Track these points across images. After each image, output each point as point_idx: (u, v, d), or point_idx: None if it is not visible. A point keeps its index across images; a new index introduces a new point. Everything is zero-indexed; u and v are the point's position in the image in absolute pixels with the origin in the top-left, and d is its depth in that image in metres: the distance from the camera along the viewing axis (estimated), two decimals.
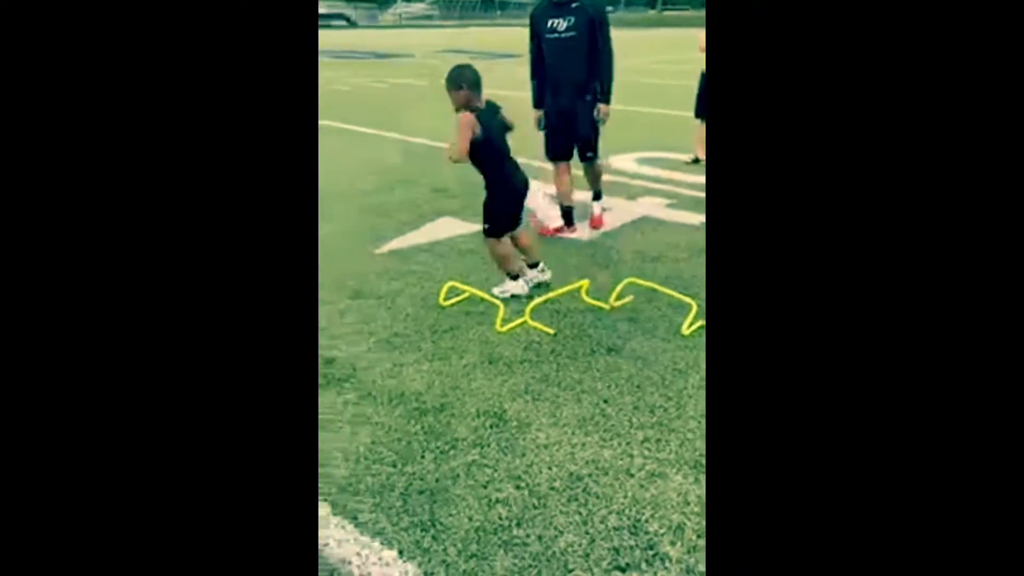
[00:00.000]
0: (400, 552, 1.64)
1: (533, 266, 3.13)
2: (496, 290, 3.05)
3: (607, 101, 3.76)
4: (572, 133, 3.82)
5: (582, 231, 4.08)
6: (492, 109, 2.75)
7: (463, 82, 2.66)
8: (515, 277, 3.04)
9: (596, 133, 3.86)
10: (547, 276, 3.18)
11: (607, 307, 3.02)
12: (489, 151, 2.68)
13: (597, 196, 4.14)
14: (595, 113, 3.76)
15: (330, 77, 13.03)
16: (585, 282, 3.15)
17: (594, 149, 3.91)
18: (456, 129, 2.66)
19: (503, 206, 2.86)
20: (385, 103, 10.12)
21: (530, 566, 1.60)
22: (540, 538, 1.69)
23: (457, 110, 2.71)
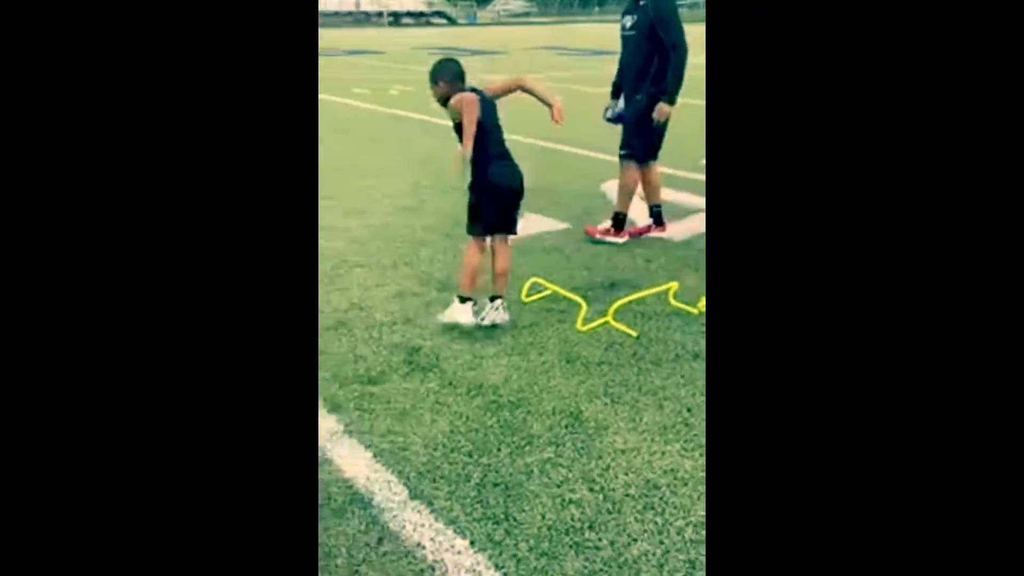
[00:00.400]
0: (472, 542, 1.67)
1: (493, 299, 2.70)
2: (440, 317, 2.74)
3: (670, 102, 3.57)
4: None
5: (673, 230, 3.97)
6: (486, 100, 2.59)
7: (442, 76, 2.57)
8: (464, 300, 2.69)
9: (640, 133, 3.69)
10: (504, 317, 2.70)
11: (695, 311, 2.92)
12: (477, 138, 2.49)
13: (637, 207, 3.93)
14: (653, 113, 3.60)
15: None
16: (674, 284, 3.06)
17: (630, 147, 3.75)
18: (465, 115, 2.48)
19: (484, 200, 2.64)
20: None
21: (601, 571, 1.58)
22: (612, 544, 1.66)
23: (440, 102, 2.59)
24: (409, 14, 43.01)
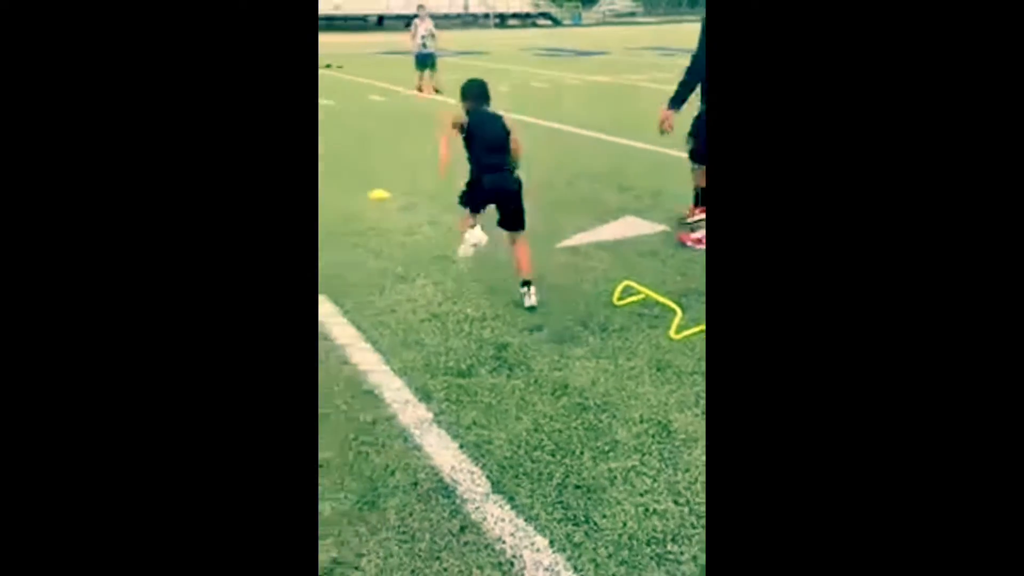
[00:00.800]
0: (552, 542, 1.67)
1: (524, 284, 3.04)
2: (459, 252, 3.14)
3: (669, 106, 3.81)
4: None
5: None
6: (489, 115, 2.99)
7: (465, 95, 3.03)
8: (472, 227, 3.09)
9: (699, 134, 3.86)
10: (533, 300, 2.99)
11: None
12: (471, 143, 2.94)
13: (696, 200, 4.05)
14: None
15: (530, 74, 13.52)
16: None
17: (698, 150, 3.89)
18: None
19: (472, 188, 3.02)
20: (577, 99, 10.24)
21: None
22: (695, 559, 1.60)
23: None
24: (515, 15, 43.60)
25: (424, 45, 10.54)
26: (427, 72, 10.65)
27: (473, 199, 3.01)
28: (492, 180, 2.93)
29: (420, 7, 10.92)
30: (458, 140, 2.96)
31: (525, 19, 44.19)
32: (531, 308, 2.98)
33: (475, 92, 2.99)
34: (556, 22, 44.32)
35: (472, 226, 3.04)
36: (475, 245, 3.05)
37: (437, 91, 10.50)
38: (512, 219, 3.01)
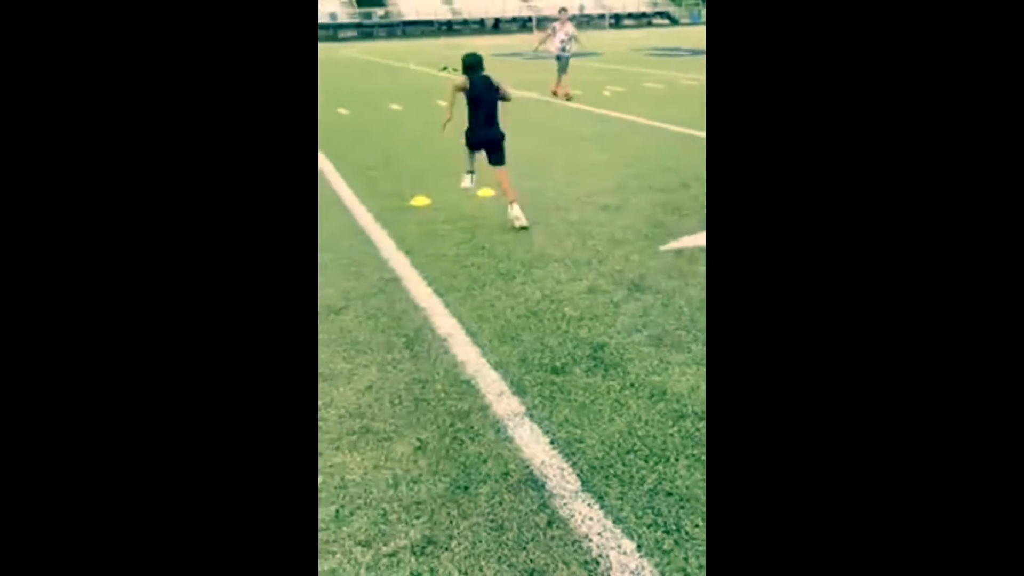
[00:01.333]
0: (639, 546, 1.64)
1: (511, 204, 4.17)
2: (462, 185, 4.40)
3: None
4: None
5: None
6: (486, 80, 4.14)
7: (466, 65, 4.20)
8: (469, 172, 4.37)
9: None
10: (522, 218, 4.09)
11: None
12: (471, 100, 4.13)
13: None
14: None
15: (643, 74, 13.26)
16: None
17: None
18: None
19: (470, 133, 4.23)
20: (691, 100, 9.91)
21: None
22: None
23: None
24: (630, 15, 42.94)
25: (564, 48, 10.08)
26: (564, 76, 10.22)
27: (471, 142, 4.25)
28: (484, 133, 4.18)
29: (562, 9, 10.61)
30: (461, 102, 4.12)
31: (640, 19, 43.39)
32: (524, 228, 4.01)
33: (473, 62, 4.16)
34: (674, 21, 43.15)
35: (468, 172, 4.36)
36: (467, 188, 4.40)
37: (568, 97, 10.04)
38: (496, 159, 4.23)
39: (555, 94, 10.37)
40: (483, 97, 4.09)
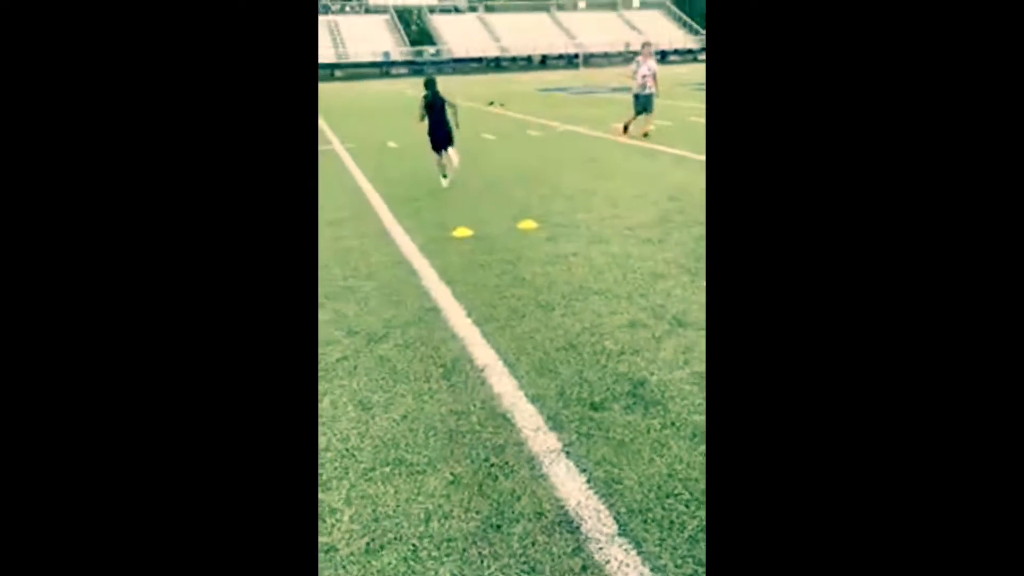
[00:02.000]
0: None
1: (445, 176, 6.49)
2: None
3: None
4: None
5: None
6: (439, 96, 6.27)
7: (426, 85, 6.37)
8: (444, 177, 6.50)
9: None
10: (444, 183, 6.36)
11: None
12: (428, 107, 6.24)
13: None
14: None
15: (689, 108, 13.22)
16: None
17: None
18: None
19: (432, 136, 6.33)
20: None
21: None
22: None
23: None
24: (676, 51, 43.22)
25: (644, 86, 9.16)
26: (644, 116, 9.28)
27: (435, 144, 6.35)
28: (441, 133, 6.30)
29: (645, 44, 9.64)
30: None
31: (686, 55, 43.62)
32: (445, 186, 6.21)
33: (431, 83, 6.35)
34: None
35: (443, 176, 6.49)
36: (445, 176, 6.46)
37: (646, 135, 9.22)
38: (447, 144, 6.34)
39: (625, 130, 9.55)
40: (438, 107, 6.31)
